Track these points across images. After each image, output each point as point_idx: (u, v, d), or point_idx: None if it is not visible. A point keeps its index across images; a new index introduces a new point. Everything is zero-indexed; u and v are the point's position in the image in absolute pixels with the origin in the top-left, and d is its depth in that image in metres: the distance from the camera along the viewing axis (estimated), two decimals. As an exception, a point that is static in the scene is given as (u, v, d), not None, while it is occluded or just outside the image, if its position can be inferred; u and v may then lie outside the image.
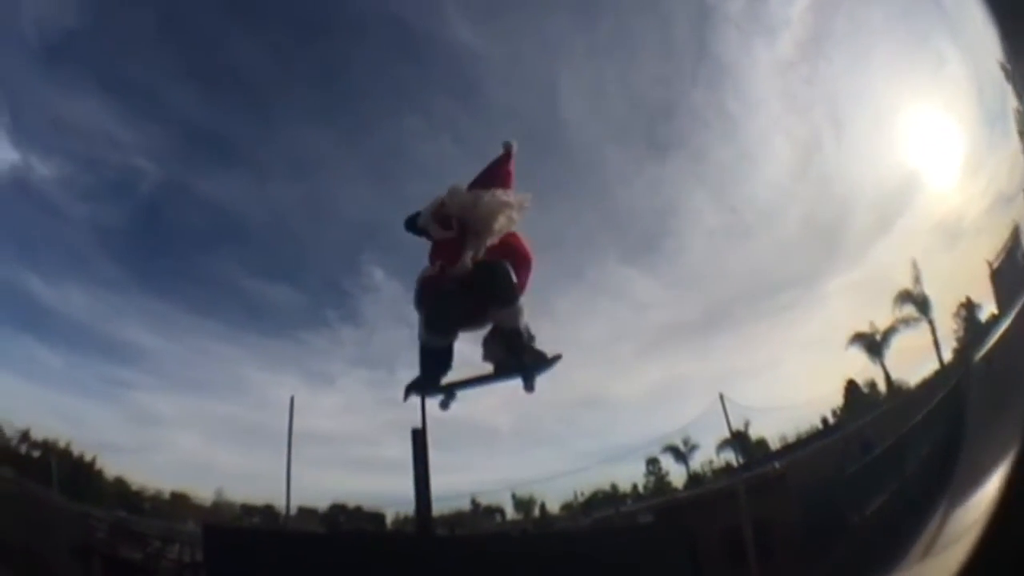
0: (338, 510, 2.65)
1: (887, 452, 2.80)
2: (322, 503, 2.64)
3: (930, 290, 2.66)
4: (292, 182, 2.67)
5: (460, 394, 2.53)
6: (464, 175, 2.56)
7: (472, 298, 2.39)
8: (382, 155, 2.65)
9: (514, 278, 2.35)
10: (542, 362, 2.47)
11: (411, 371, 2.49)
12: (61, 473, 2.77)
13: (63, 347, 2.77)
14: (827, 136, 2.82)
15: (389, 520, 2.65)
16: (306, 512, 2.62)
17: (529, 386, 2.50)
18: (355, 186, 2.66)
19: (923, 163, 2.79)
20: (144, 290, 2.70)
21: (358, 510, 2.65)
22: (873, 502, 2.71)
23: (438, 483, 2.50)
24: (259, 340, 2.62)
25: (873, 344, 2.76)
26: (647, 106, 2.77)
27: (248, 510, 2.68)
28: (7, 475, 2.88)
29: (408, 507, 2.53)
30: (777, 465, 2.84)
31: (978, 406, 2.70)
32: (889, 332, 2.72)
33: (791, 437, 2.82)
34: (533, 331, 2.54)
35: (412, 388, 2.49)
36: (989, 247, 2.80)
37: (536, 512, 2.69)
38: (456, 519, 2.62)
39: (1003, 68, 2.91)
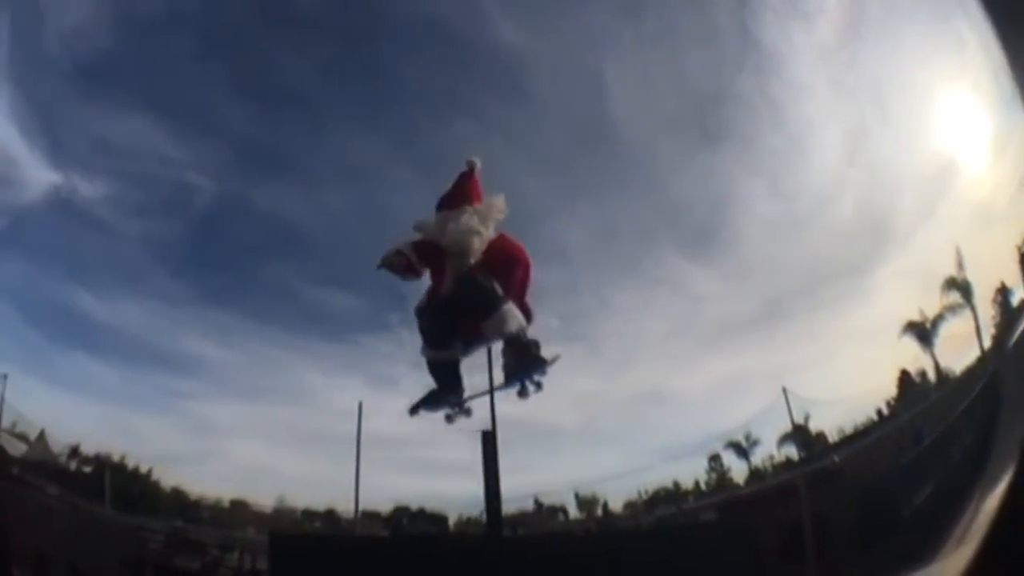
0: (401, 512, 2.63)
1: (935, 442, 2.78)
2: (385, 506, 2.63)
3: (971, 276, 2.63)
4: (347, 190, 2.71)
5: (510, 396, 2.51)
6: (517, 175, 2.59)
7: (461, 314, 2.39)
8: (434, 159, 2.67)
9: (489, 287, 2.27)
10: (538, 364, 2.38)
11: (472, 371, 2.49)
12: (114, 486, 2.77)
13: (119, 362, 2.78)
14: (872, 121, 2.80)
15: (451, 522, 2.64)
16: (369, 515, 2.61)
17: (522, 392, 2.49)
18: (410, 191, 2.68)
19: (957, 146, 2.78)
20: (203, 302, 2.73)
21: (421, 512, 2.64)
22: (922, 492, 2.68)
23: (502, 484, 2.49)
24: (322, 346, 2.64)
25: (924, 333, 2.72)
26: (696, 95, 2.77)
27: (309, 515, 2.68)
28: (52, 492, 2.89)
29: (470, 508, 2.52)
30: (836, 459, 2.79)
31: (1012, 392, 2.68)
32: (937, 320, 2.69)
33: (848, 429, 2.79)
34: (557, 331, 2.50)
35: (419, 405, 2.49)
36: (1018, 232, 2.79)
37: (599, 511, 2.67)
38: (519, 519, 2.60)
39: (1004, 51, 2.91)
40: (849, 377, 2.72)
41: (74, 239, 2.84)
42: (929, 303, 2.65)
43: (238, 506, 2.72)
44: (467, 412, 2.47)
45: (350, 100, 2.71)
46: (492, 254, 2.31)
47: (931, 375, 2.76)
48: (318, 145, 2.70)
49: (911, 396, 2.74)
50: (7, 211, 2.82)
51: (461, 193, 2.37)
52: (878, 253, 2.78)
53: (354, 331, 2.51)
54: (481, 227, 2.29)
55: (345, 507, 2.62)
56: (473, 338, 2.35)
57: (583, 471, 2.63)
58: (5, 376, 2.60)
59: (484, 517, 2.53)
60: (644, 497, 2.70)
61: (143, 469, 2.76)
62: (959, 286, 2.69)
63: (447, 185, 2.44)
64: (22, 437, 2.85)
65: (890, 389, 2.73)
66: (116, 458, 2.75)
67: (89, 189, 2.73)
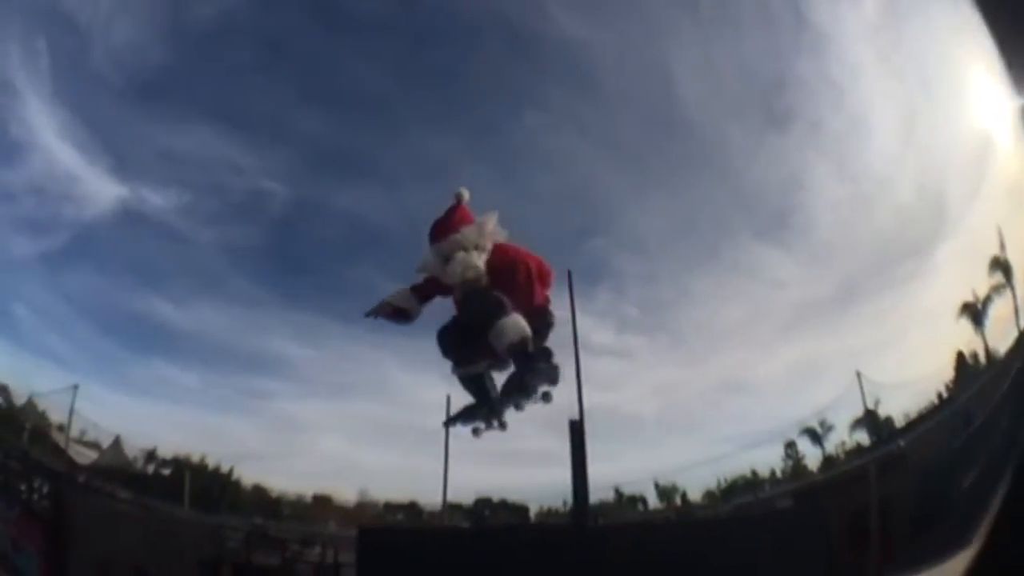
0: (483, 504, 2.67)
1: (982, 425, 2.74)
2: (467, 498, 2.66)
3: (1011, 256, 2.66)
4: (423, 187, 2.73)
5: (602, 385, 2.55)
6: (592, 165, 2.64)
7: (471, 331, 2.39)
8: (508, 153, 2.71)
9: (490, 301, 2.31)
10: (533, 373, 2.44)
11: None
12: (194, 487, 2.80)
13: (199, 365, 2.84)
14: (920, 99, 2.83)
15: (532, 512, 2.67)
16: (451, 507, 2.64)
17: (518, 406, 2.53)
18: (485, 185, 2.67)
19: (991, 124, 2.80)
20: (284, 303, 2.76)
21: (503, 503, 2.67)
22: (969, 477, 2.67)
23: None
24: (403, 341, 2.66)
25: (976, 314, 2.72)
26: (759, 80, 2.79)
27: (391, 508, 2.72)
28: (124, 496, 2.93)
29: (551, 499, 2.55)
30: (901, 443, 2.79)
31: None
32: (986, 301, 2.70)
33: (912, 413, 2.78)
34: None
35: (454, 419, 2.54)
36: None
37: (678, 500, 2.69)
38: (599, 509, 2.62)
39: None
40: (915, 360, 2.73)
41: (146, 249, 2.88)
42: (980, 284, 2.67)
43: (320, 501, 2.77)
44: (502, 426, 2.52)
45: (419, 98, 2.75)
46: (493, 266, 2.37)
47: (981, 357, 2.75)
48: (391, 144, 2.74)
49: (965, 379, 2.75)
50: (71, 225, 2.86)
51: (450, 220, 2.41)
52: (937, 233, 2.79)
53: (435, 325, 2.55)
54: (478, 261, 2.33)
55: (427, 500, 2.66)
56: (486, 353, 2.35)
57: (663, 460, 2.65)
58: (76, 387, 2.69)
59: (565, 507, 2.57)
60: (723, 486, 2.70)
61: (224, 469, 2.79)
62: (1002, 266, 2.70)
63: (522, 177, 2.48)
64: (93, 445, 2.89)
65: (948, 372, 2.74)
66: (196, 459, 2.80)
67: (159, 200, 2.74)
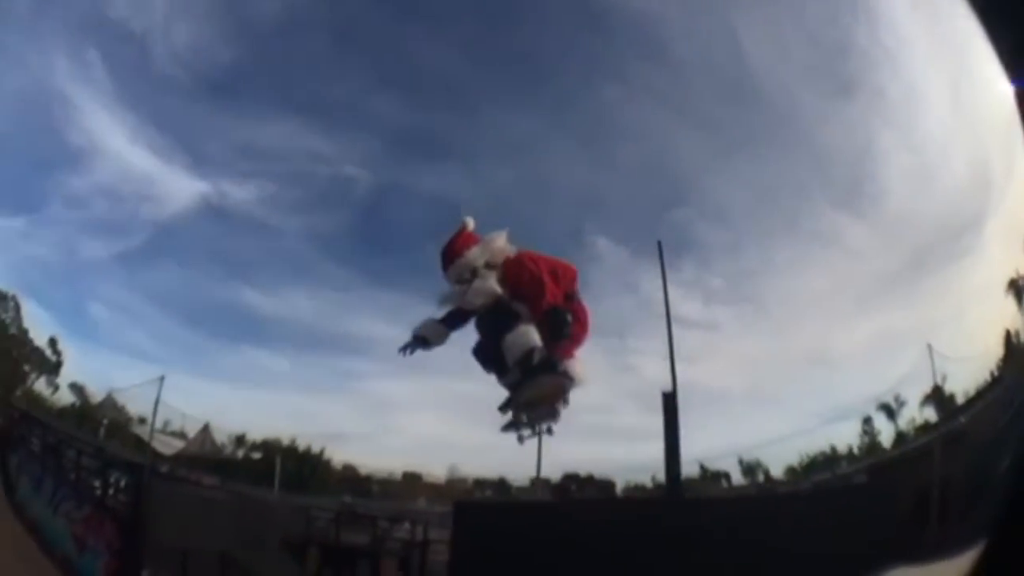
0: (570, 480, 2.73)
1: (1021, 405, 2.77)
2: (555, 473, 2.70)
3: None
4: (505, 166, 2.77)
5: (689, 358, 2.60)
6: (670, 136, 2.65)
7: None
8: (588, 126, 2.74)
9: (501, 314, 2.41)
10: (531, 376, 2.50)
11: (640, 339, 2.60)
12: (284, 469, 2.88)
13: (289, 350, 2.93)
14: (959, 70, 2.87)
15: (619, 488, 2.72)
16: (538, 483, 2.71)
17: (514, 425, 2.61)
18: (567, 160, 2.74)
19: (1015, 99, 2.82)
20: (373, 285, 2.83)
21: (590, 478, 2.73)
22: (1006, 457, 2.68)
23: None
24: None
25: (1020, 291, 2.76)
26: (824, 46, 2.79)
27: (481, 484, 2.79)
28: (211, 482, 3.02)
29: (639, 473, 2.61)
30: (963, 420, 2.83)
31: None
32: None
33: (971, 391, 2.81)
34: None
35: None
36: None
37: (760, 476, 2.72)
38: (684, 485, 2.67)
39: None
40: (973, 336, 2.77)
41: (231, 240, 2.97)
42: (1021, 260, 2.75)
43: (410, 479, 2.85)
44: (549, 431, 2.60)
45: (496, 77, 2.79)
46: (505, 280, 2.51)
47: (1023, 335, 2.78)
48: (469, 124, 2.78)
49: (1013, 357, 2.78)
50: (150, 224, 2.98)
51: (455, 245, 2.54)
52: (985, 208, 2.83)
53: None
54: (491, 283, 2.46)
55: (516, 475, 2.73)
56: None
57: (747, 435, 2.68)
58: (162, 378, 2.77)
59: (653, 483, 2.63)
60: (805, 461, 2.72)
61: (314, 450, 2.87)
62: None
63: (604, 150, 2.52)
64: (178, 435, 3.00)
65: (998, 349, 2.78)
66: (286, 442, 2.88)
67: (241, 193, 2.80)
